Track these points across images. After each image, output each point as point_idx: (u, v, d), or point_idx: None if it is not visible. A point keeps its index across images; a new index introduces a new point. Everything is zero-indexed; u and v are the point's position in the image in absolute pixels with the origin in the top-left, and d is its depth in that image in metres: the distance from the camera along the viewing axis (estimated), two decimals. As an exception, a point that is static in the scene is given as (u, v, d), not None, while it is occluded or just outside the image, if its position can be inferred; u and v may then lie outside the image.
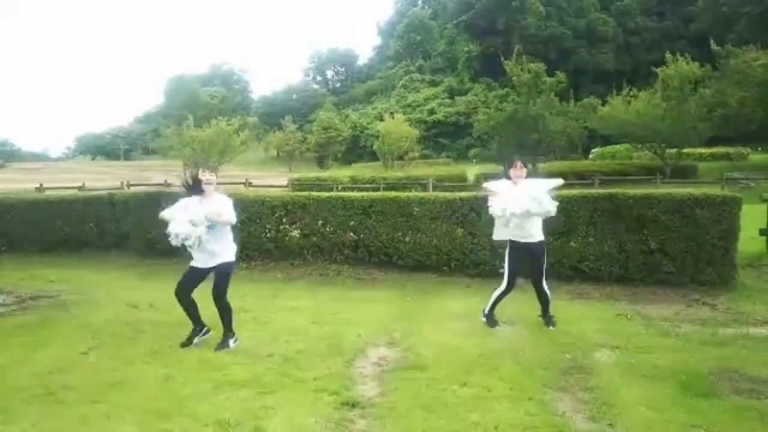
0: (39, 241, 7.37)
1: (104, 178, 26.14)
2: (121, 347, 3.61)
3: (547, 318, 4.00)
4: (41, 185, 17.52)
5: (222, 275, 3.56)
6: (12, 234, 7.47)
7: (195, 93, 57.28)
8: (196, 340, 3.61)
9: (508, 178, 3.92)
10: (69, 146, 70.05)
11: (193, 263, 3.56)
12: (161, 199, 6.95)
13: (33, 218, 7.47)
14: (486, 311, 4.02)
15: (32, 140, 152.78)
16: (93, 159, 59.16)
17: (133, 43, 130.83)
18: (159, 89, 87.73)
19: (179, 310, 4.16)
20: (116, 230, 7.18)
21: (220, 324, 3.60)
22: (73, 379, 3.06)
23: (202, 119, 30.93)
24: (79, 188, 16.56)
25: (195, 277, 3.57)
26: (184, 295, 3.56)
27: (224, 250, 3.56)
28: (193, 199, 3.53)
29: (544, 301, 4.01)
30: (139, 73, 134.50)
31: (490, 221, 4.04)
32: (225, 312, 3.59)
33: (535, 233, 3.85)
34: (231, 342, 3.57)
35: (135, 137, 61.63)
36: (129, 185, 18.37)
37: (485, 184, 4.01)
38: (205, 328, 3.67)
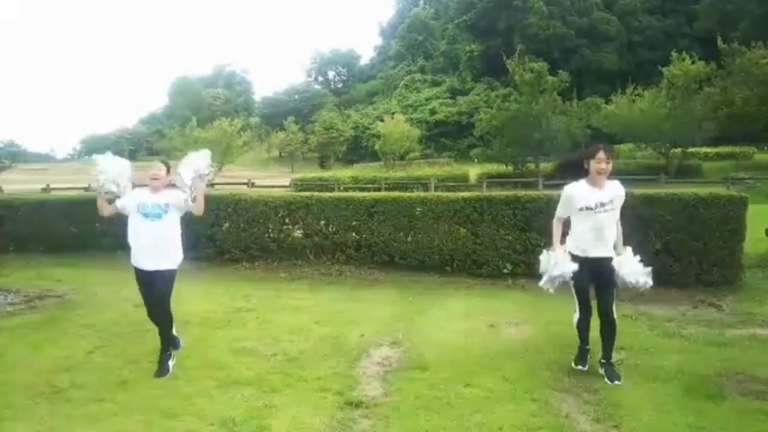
0: (46, 241, 7.42)
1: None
2: (127, 346, 3.63)
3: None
4: (47, 186, 17.65)
5: (167, 281, 3.13)
6: (20, 234, 7.52)
7: (198, 94, 57.62)
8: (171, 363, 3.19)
9: (580, 173, 2.94)
10: (75, 147, 70.57)
11: (135, 263, 3.13)
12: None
13: (40, 219, 7.52)
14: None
15: (38, 141, 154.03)
16: (98, 160, 59.34)
17: (138, 45, 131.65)
18: (163, 91, 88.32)
19: (184, 309, 4.19)
20: (122, 230, 7.22)
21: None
22: (80, 377, 3.08)
23: (206, 120, 31.12)
24: (85, 189, 16.67)
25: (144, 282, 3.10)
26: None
27: (174, 252, 3.17)
28: (141, 193, 3.18)
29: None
30: (144, 75, 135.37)
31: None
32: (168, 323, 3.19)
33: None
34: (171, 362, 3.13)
35: (139, 138, 61.98)
36: (134, 186, 18.42)
37: (564, 202, 2.99)
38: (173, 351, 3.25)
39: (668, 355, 3.31)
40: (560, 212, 3.14)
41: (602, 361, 3.03)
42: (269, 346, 3.60)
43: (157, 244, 3.12)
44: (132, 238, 3.18)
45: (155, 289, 3.13)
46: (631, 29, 46.53)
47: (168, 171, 3.26)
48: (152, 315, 3.22)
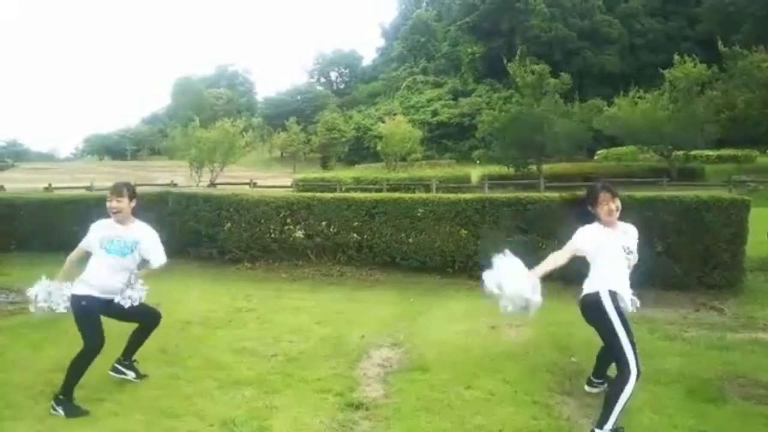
0: (48, 241, 7.39)
1: (111, 179, 26.34)
2: (126, 346, 3.63)
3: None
4: (50, 185, 17.70)
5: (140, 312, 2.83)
6: (22, 233, 7.53)
7: (201, 94, 57.84)
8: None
9: (586, 212, 2.60)
10: (77, 146, 70.80)
11: (90, 292, 2.71)
12: (168, 199, 7.04)
13: (43, 218, 7.52)
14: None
15: (40, 141, 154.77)
16: (100, 159, 59.63)
17: (141, 44, 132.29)
18: (166, 91, 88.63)
19: (185, 309, 4.20)
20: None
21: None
22: (80, 377, 3.08)
23: (208, 120, 31.19)
24: (87, 188, 16.71)
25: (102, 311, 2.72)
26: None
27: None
28: (108, 225, 2.81)
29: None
30: (146, 75, 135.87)
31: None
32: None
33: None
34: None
35: (142, 138, 62.13)
36: (136, 186, 18.47)
37: (579, 244, 2.57)
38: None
39: (669, 358, 3.30)
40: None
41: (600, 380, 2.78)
42: (270, 346, 3.60)
43: (117, 281, 2.77)
44: (91, 268, 2.79)
45: (129, 310, 2.80)
46: (633, 32, 46.50)
47: (132, 197, 2.82)
48: (150, 326, 2.99)
